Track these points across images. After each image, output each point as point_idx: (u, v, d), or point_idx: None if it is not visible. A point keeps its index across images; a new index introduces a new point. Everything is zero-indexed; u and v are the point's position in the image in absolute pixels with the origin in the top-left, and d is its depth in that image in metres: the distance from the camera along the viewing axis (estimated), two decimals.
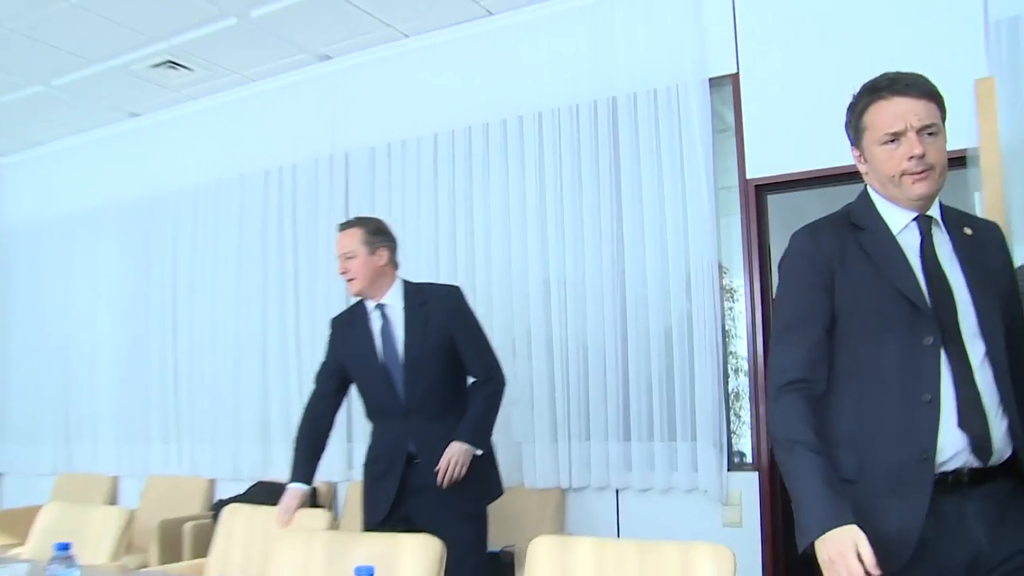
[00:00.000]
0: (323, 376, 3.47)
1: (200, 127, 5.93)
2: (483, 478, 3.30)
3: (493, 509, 4.24)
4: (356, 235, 3.33)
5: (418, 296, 3.37)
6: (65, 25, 4.74)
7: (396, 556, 2.29)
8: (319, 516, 3.12)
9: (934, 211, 1.95)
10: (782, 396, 1.88)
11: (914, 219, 1.93)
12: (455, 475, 3.14)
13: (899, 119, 1.86)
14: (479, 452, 3.24)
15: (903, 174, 1.87)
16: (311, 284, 5.25)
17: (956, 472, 1.78)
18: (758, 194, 3.99)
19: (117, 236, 6.26)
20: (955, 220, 1.98)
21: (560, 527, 4.26)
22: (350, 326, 3.44)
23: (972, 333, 1.83)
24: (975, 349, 1.82)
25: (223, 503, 4.95)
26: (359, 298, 3.41)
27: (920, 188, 1.87)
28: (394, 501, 3.23)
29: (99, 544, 3.14)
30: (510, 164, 4.64)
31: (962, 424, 1.76)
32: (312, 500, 3.38)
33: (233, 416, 5.44)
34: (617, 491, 4.23)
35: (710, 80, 4.13)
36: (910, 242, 1.92)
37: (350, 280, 3.33)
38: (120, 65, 5.28)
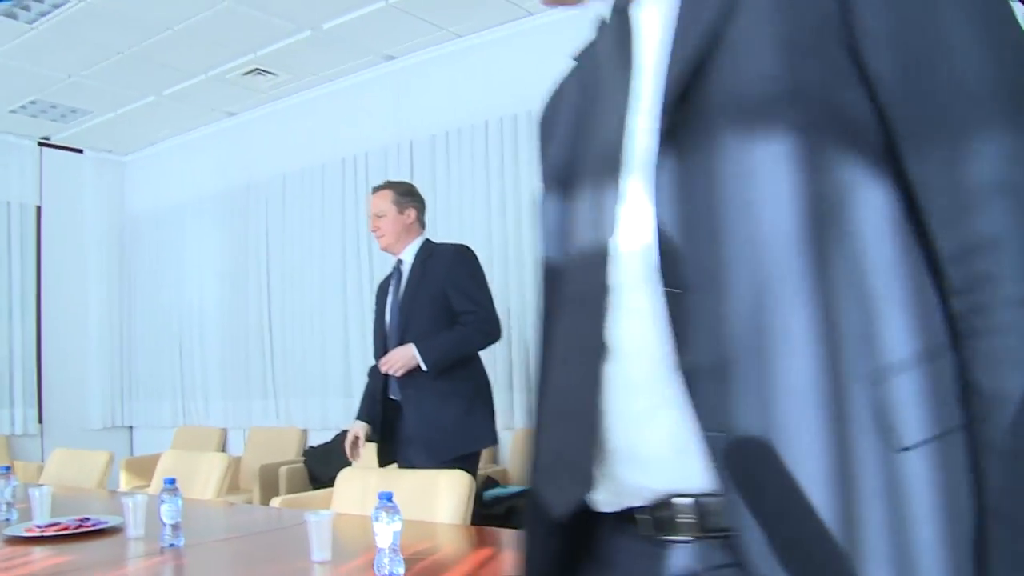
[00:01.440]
0: (374, 336, 3.55)
1: (285, 123, 6.34)
2: (468, 425, 3.27)
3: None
4: (387, 196, 3.40)
5: (426, 252, 3.39)
6: (172, 47, 5.23)
7: (434, 488, 2.62)
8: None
9: None
10: None
11: None
12: (391, 372, 3.21)
13: None
14: (424, 367, 3.18)
15: None
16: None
17: None
18: None
19: (220, 220, 6.73)
20: None
21: None
22: (385, 285, 3.52)
23: None
24: None
25: (314, 450, 5.41)
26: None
27: None
28: (388, 449, 3.32)
29: (207, 484, 3.51)
30: None
31: None
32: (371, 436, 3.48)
33: (320, 374, 5.86)
34: None
35: None
36: None
37: (379, 236, 3.41)
38: (217, 75, 5.74)
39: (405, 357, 3.20)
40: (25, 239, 7.17)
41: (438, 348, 3.23)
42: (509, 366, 5.03)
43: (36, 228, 7.24)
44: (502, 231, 5.08)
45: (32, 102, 6.29)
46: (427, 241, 3.47)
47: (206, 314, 6.74)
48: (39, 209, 7.28)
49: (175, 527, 2.23)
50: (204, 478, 3.54)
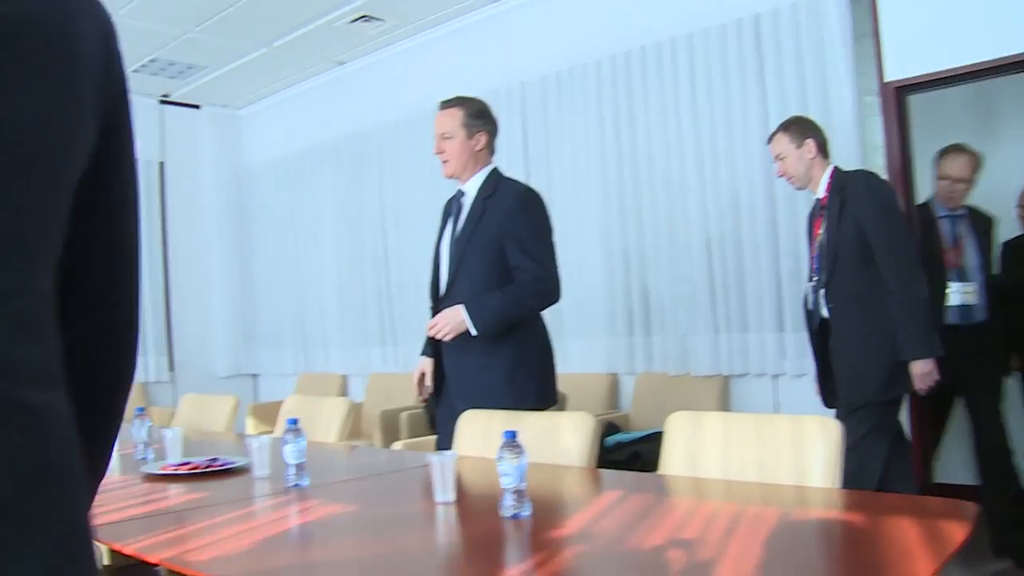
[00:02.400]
0: (433, 265, 3.27)
1: (394, 69, 6.31)
2: (523, 384, 2.97)
3: (660, 395, 4.49)
4: (456, 116, 3.03)
5: (490, 187, 3.03)
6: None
7: (556, 430, 2.57)
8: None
9: None
10: None
11: None
12: (438, 336, 2.92)
13: None
14: (473, 332, 2.88)
15: None
16: None
17: None
18: (898, 96, 3.88)
19: (334, 168, 6.79)
20: None
21: (725, 410, 4.46)
22: (448, 208, 3.23)
23: None
24: None
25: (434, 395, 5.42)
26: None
27: None
28: (444, 399, 3.10)
29: (329, 428, 3.56)
30: (664, 85, 4.73)
31: None
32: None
33: None
34: (774, 376, 4.37)
35: None
36: None
37: (444, 161, 3.05)
38: (325, 23, 5.72)
39: (454, 321, 2.90)
40: (150, 195, 7.43)
41: (489, 312, 2.91)
42: (629, 311, 4.93)
43: (160, 184, 7.49)
44: (617, 172, 4.95)
45: (152, 60, 6.45)
46: (494, 172, 3.10)
47: (324, 263, 6.84)
48: (162, 165, 7.51)
49: (299, 467, 2.24)
50: (326, 422, 3.58)
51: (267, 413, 5.75)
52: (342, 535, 1.82)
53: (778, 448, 2.13)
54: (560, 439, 2.54)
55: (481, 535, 1.69)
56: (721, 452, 2.24)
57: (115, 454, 3.13)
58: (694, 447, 2.30)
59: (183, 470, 2.52)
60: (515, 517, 1.74)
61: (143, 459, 2.87)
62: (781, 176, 3.45)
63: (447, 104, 3.09)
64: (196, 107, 7.65)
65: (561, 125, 5.25)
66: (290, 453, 2.24)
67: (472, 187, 3.07)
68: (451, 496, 1.95)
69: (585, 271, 5.07)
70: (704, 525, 1.66)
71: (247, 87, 7.23)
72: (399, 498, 2.12)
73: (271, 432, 4.42)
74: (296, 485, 2.23)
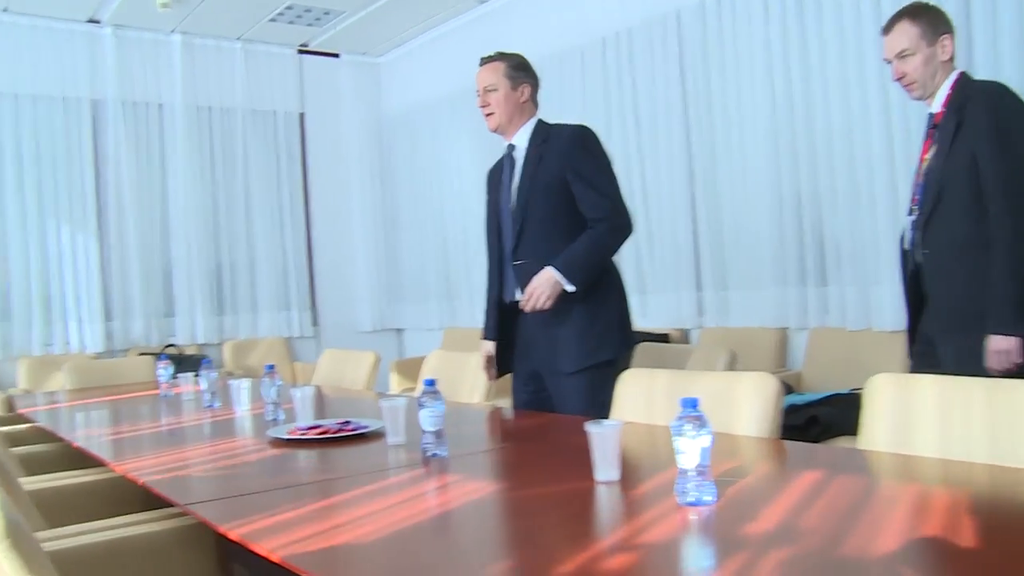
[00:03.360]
0: (488, 232, 3.18)
1: (537, 6, 5.99)
2: (598, 329, 2.87)
3: (838, 353, 4.06)
4: (498, 68, 3.01)
5: (542, 134, 2.98)
6: None
7: (731, 392, 2.23)
8: None
9: None
10: None
11: None
12: (538, 305, 2.80)
13: None
14: (570, 288, 2.79)
15: None
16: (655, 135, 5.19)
17: None
18: None
19: (477, 113, 6.54)
20: None
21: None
22: (492, 176, 3.20)
23: None
24: None
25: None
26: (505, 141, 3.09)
27: None
28: (516, 354, 3.04)
29: (474, 388, 3.34)
30: (843, 9, 4.25)
31: None
32: None
33: None
34: None
35: None
36: None
37: (489, 115, 3.03)
38: None
39: (548, 285, 2.79)
40: (292, 147, 7.41)
41: (579, 264, 2.81)
42: (800, 258, 4.49)
43: (300, 136, 7.45)
44: (787, 105, 4.48)
45: (288, 7, 6.34)
46: (541, 122, 3.05)
47: (468, 212, 6.62)
48: (302, 116, 7.46)
49: (438, 435, 1.99)
50: (471, 381, 3.36)
51: (411, 369, 5.62)
52: (483, 521, 1.55)
53: (1018, 422, 1.72)
54: (736, 403, 2.20)
55: (654, 527, 1.37)
56: (938, 424, 1.85)
57: (245, 413, 3.00)
58: (901, 417, 1.91)
59: (312, 434, 2.32)
60: (695, 504, 1.42)
61: (273, 420, 2.70)
62: (900, 80, 2.70)
63: (487, 59, 3.07)
64: (335, 56, 7.56)
65: (723, 55, 4.81)
66: (427, 419, 1.99)
67: (522, 138, 3.02)
68: (614, 474, 1.64)
69: (750, 214, 4.66)
70: (943, 521, 1.30)
71: (385, 33, 7.06)
72: (551, 474, 1.83)
73: (413, 389, 4.25)
74: (434, 455, 1.98)
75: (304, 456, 2.19)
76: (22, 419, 3.76)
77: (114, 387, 4.56)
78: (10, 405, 4.60)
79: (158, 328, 6.81)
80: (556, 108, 5.75)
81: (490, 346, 3.14)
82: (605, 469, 1.65)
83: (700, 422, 1.43)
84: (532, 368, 2.98)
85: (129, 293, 6.69)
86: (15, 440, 3.33)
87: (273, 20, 6.64)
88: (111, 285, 6.63)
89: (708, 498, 1.43)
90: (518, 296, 2.92)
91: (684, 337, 5.12)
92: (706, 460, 1.43)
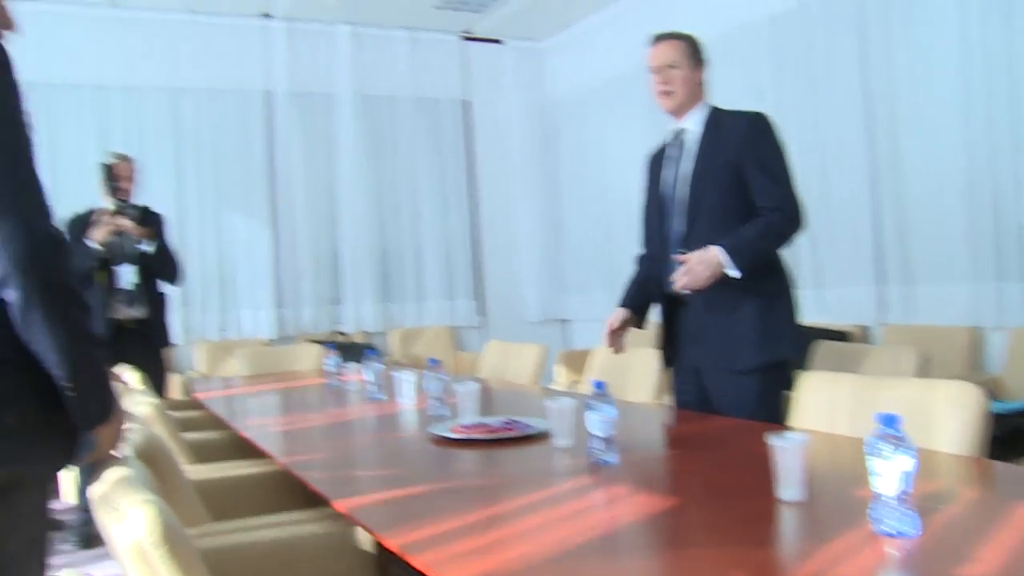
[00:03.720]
0: (646, 218, 3.06)
1: None
2: (767, 330, 2.68)
3: None
4: (679, 47, 2.83)
5: (716, 120, 2.82)
6: None
7: (927, 403, 2.04)
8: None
9: None
10: None
11: None
12: (693, 285, 2.60)
13: None
14: (734, 273, 2.58)
15: None
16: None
17: None
18: None
19: (642, 97, 6.37)
20: None
21: None
22: (653, 161, 3.06)
23: None
24: None
25: None
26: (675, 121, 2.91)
27: None
28: (677, 351, 2.86)
29: (642, 384, 3.26)
30: None
31: None
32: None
33: None
34: None
35: None
36: None
37: (668, 93, 2.82)
38: None
39: (710, 265, 2.59)
40: (456, 135, 7.48)
41: (748, 249, 2.62)
42: (998, 251, 4.15)
43: (464, 123, 7.51)
44: (985, 83, 4.13)
45: None
46: (714, 107, 2.88)
47: (633, 200, 6.45)
48: (464, 103, 7.52)
49: (607, 440, 1.91)
50: (640, 378, 3.29)
51: (578, 361, 5.56)
52: (656, 542, 1.46)
53: None
54: (932, 415, 2.02)
55: (849, 560, 1.24)
56: None
57: (409, 408, 3.02)
58: None
59: (475, 434, 2.29)
60: (894, 536, 1.29)
61: (439, 416, 2.69)
62: None
63: (665, 36, 2.90)
64: (498, 42, 7.57)
65: (910, 29, 4.48)
66: (595, 423, 1.91)
67: (694, 123, 2.86)
68: (799, 493, 1.52)
69: (940, 203, 4.35)
70: None
71: (548, 18, 7.02)
72: (729, 488, 1.72)
73: (579, 382, 4.20)
74: (604, 462, 1.90)
75: (466, 456, 2.17)
76: (196, 404, 3.95)
77: (284, 374, 4.73)
78: (188, 388, 4.85)
79: (327, 315, 7.05)
80: (726, 92, 5.58)
81: (620, 314, 2.98)
82: (789, 487, 1.53)
83: (901, 442, 1.30)
84: (694, 364, 2.82)
85: (299, 281, 6.95)
86: (188, 426, 3.49)
87: (438, 7, 6.71)
88: (283, 273, 6.91)
89: (910, 530, 1.29)
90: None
91: (864, 335, 4.83)
92: (908, 486, 1.30)
